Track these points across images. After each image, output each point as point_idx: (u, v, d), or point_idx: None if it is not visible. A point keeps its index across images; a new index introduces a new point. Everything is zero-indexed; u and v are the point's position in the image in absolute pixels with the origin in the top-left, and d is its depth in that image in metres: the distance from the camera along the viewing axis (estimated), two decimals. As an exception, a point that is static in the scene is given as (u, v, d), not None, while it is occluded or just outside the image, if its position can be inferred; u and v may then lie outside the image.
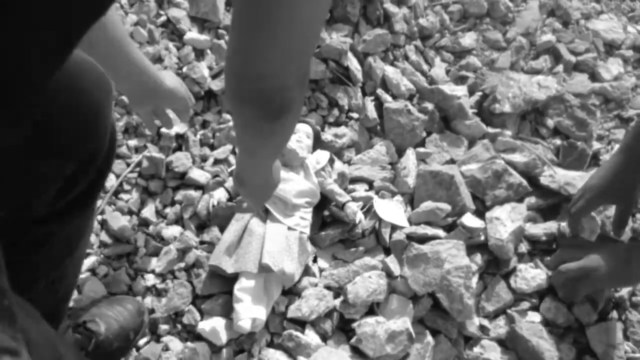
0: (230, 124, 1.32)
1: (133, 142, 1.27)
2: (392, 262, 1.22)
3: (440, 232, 1.28)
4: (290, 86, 0.58)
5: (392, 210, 1.27)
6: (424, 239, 1.26)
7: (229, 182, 1.24)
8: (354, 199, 1.27)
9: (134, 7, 1.33)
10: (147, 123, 1.06)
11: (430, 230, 1.26)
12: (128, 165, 1.25)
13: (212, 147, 1.31)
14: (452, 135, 1.46)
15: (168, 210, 1.23)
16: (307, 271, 1.20)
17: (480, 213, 1.35)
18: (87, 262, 1.15)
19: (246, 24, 0.54)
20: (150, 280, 1.16)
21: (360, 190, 1.32)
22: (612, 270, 1.17)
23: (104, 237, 1.19)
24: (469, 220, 1.28)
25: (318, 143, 1.34)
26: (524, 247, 1.32)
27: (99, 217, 1.19)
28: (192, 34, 1.34)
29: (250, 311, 1.08)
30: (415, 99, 1.52)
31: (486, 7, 1.70)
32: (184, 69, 1.31)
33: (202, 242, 1.21)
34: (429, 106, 1.47)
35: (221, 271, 1.13)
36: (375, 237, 1.27)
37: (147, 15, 1.33)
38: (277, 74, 0.57)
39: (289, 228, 1.17)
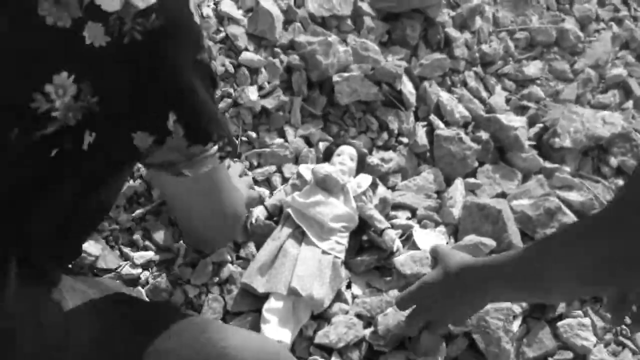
0: (276, 143, 1.33)
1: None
2: (428, 295, 1.18)
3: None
4: None
5: (432, 241, 1.23)
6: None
7: (269, 200, 1.24)
8: (394, 226, 1.24)
9: (194, 22, 1.37)
10: None
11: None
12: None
13: (254, 166, 1.32)
14: (506, 168, 1.41)
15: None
16: (339, 297, 1.18)
17: (528, 251, 1.29)
18: (130, 270, 1.18)
19: None
20: (191, 291, 1.17)
21: (402, 217, 1.29)
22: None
23: (147, 244, 1.22)
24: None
25: (362, 166, 1.32)
26: (573, 292, 1.25)
27: (142, 225, 1.23)
28: (247, 54, 1.36)
29: (276, 333, 1.07)
30: (470, 127, 1.48)
31: (555, 35, 1.64)
32: (234, 93, 1.33)
33: (238, 258, 1.21)
34: (484, 135, 1.43)
35: (252, 290, 1.13)
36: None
37: (207, 31, 1.36)
38: None
39: (324, 252, 1.16)
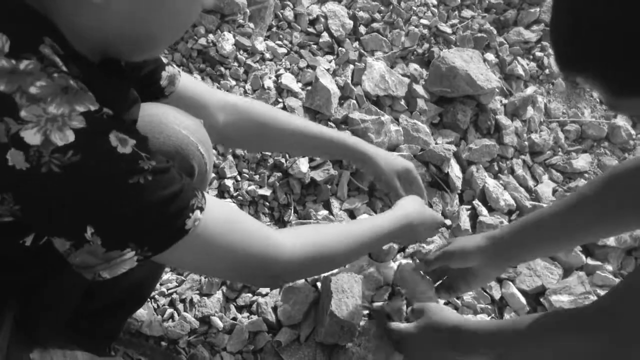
0: (321, 215, 1.37)
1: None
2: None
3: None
4: None
5: None
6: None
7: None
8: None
9: (256, 92, 1.44)
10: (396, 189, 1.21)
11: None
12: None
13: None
14: (547, 260, 1.41)
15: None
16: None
17: (564, 349, 1.28)
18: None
19: None
20: (226, 357, 1.20)
21: (440, 302, 1.30)
22: None
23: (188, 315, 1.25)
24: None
25: (405, 247, 1.34)
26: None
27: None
28: (302, 126, 1.42)
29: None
30: (514, 215, 1.49)
31: (606, 131, 1.65)
32: (285, 163, 1.38)
33: (271, 328, 1.24)
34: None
35: (286, 361, 1.15)
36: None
37: (265, 101, 1.43)
38: None
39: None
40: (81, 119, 0.57)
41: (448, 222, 1.44)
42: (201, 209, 0.70)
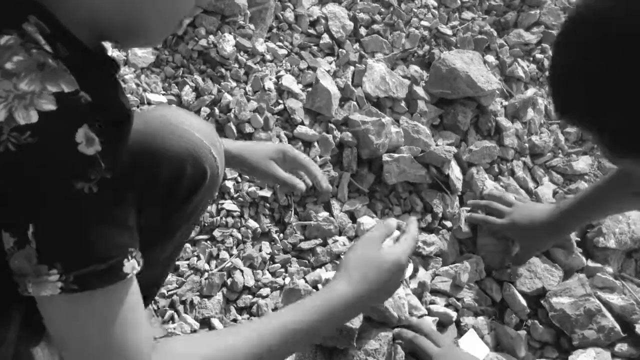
0: (321, 216, 1.37)
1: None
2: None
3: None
4: None
5: (475, 346, 1.23)
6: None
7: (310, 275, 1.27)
8: (431, 313, 1.25)
9: (257, 94, 1.44)
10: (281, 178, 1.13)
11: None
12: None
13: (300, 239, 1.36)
14: (548, 262, 1.40)
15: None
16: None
17: (564, 351, 1.28)
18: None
19: None
20: None
21: (440, 303, 1.30)
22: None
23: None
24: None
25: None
26: (608, 400, 1.22)
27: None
28: (303, 127, 1.42)
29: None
30: (514, 217, 1.49)
31: (606, 132, 1.65)
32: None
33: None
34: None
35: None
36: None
37: (266, 103, 1.43)
38: None
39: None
40: (52, 99, 0.54)
41: (449, 224, 1.44)
42: (138, 263, 0.62)
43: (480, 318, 1.31)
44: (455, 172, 1.49)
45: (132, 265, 0.61)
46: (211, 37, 1.46)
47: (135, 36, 0.67)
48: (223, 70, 1.45)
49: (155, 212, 0.92)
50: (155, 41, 0.73)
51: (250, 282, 1.28)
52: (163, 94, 1.40)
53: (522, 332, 1.31)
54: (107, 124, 0.58)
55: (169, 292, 1.25)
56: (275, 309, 1.25)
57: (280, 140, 1.41)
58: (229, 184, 1.36)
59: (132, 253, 0.61)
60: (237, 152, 1.08)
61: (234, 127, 1.38)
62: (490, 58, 1.68)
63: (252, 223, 1.35)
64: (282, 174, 1.12)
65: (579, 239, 1.44)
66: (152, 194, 0.89)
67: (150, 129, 0.88)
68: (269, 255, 1.33)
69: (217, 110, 1.39)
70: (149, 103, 1.36)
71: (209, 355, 0.68)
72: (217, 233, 1.32)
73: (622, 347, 1.27)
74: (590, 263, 1.40)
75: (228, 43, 1.46)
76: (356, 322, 1.13)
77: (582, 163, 1.60)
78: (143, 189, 0.86)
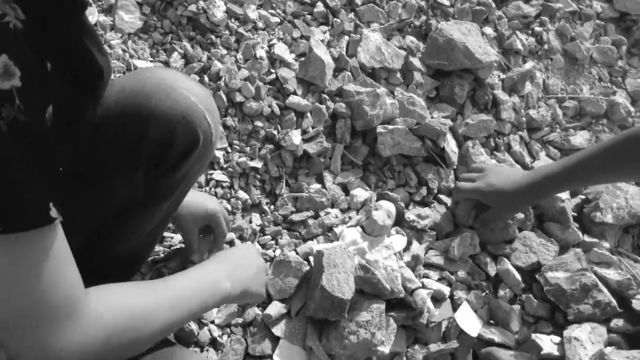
0: (313, 188, 1.33)
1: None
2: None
3: (510, 338, 1.21)
4: None
5: (469, 319, 1.21)
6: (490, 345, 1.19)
7: (301, 247, 1.25)
8: (424, 286, 1.23)
9: (248, 62, 1.40)
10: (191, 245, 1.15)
11: (498, 337, 1.18)
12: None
13: (292, 211, 1.33)
14: (543, 237, 1.38)
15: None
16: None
17: (559, 326, 1.26)
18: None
19: None
20: (215, 331, 1.17)
21: (434, 276, 1.28)
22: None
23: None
24: (544, 342, 1.20)
25: (400, 222, 1.31)
26: (603, 375, 1.21)
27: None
28: (295, 97, 1.38)
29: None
30: (510, 192, 1.46)
31: (605, 108, 1.62)
32: (277, 135, 1.34)
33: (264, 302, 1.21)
34: (524, 202, 1.41)
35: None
36: (440, 333, 1.21)
37: (257, 72, 1.39)
38: None
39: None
40: None
41: (444, 198, 1.41)
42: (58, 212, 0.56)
43: (474, 292, 1.29)
44: (451, 145, 1.45)
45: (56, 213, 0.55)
46: (201, 2, 1.41)
47: None
48: (213, 37, 1.40)
49: (141, 175, 0.88)
50: None
51: (240, 254, 1.25)
52: (151, 61, 1.35)
53: (516, 307, 1.29)
54: (56, 62, 0.53)
55: (157, 265, 1.22)
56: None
57: (272, 111, 1.37)
58: (219, 153, 1.32)
59: (52, 196, 0.55)
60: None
61: (224, 96, 1.34)
62: (489, 30, 1.64)
63: (242, 194, 1.31)
64: (194, 241, 1.14)
65: (575, 214, 1.42)
66: (139, 155, 0.86)
67: (146, 90, 0.85)
68: (259, 227, 1.30)
69: (206, 78, 1.35)
70: (136, 69, 1.31)
71: (136, 312, 0.65)
72: (206, 204, 1.28)
73: (617, 322, 1.25)
74: (587, 238, 1.38)
75: (218, 9, 1.41)
76: (348, 293, 1.10)
77: (579, 138, 1.57)
78: (130, 149, 0.83)
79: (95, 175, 0.84)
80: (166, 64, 1.35)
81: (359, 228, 1.26)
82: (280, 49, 1.43)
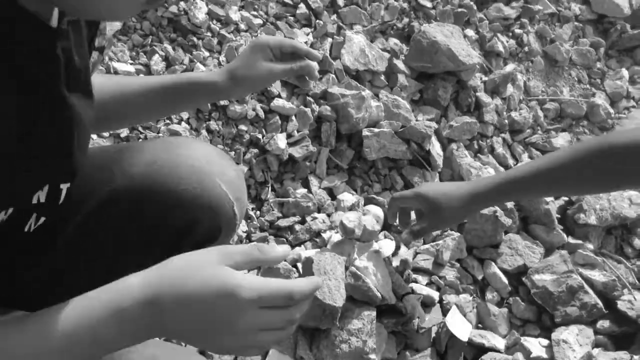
0: (299, 193, 1.31)
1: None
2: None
3: (500, 342, 1.21)
4: None
5: (459, 324, 1.21)
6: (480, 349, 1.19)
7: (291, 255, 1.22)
8: (414, 292, 1.22)
9: (230, 65, 1.37)
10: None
11: (488, 342, 1.18)
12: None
13: (278, 217, 1.30)
14: (529, 239, 1.39)
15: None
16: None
17: (546, 328, 1.27)
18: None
19: None
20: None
21: (423, 281, 1.27)
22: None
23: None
24: (533, 346, 1.20)
25: (387, 226, 1.30)
26: (591, 376, 1.21)
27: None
28: (280, 100, 1.35)
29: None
30: (494, 194, 1.46)
31: (585, 109, 1.64)
32: (262, 139, 1.32)
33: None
34: (508, 204, 1.41)
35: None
36: (430, 338, 1.20)
37: (241, 74, 1.35)
38: None
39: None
40: None
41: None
42: None
43: (463, 296, 1.28)
44: (436, 148, 1.45)
45: None
46: (182, 3, 1.38)
47: (91, 5, 0.51)
48: (195, 39, 1.37)
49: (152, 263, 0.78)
50: (121, 16, 0.56)
51: (226, 262, 1.22)
52: (131, 64, 1.31)
53: (504, 310, 1.29)
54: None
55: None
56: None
57: (257, 114, 1.34)
58: (203, 159, 1.29)
59: None
60: (224, 86, 0.88)
61: (207, 99, 1.31)
62: (470, 32, 1.64)
63: (228, 200, 1.28)
64: (281, 66, 0.91)
65: (559, 216, 1.43)
66: (156, 240, 0.79)
67: (179, 171, 0.78)
68: (245, 234, 1.27)
69: (189, 81, 1.31)
70: (116, 72, 1.27)
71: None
72: (190, 210, 1.25)
73: (604, 323, 1.26)
74: (571, 240, 1.39)
75: (200, 10, 1.38)
76: (339, 301, 1.08)
77: (561, 140, 1.58)
78: (148, 233, 0.78)
79: (102, 254, 0.78)
80: (147, 66, 1.31)
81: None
82: (264, 51, 1.40)
